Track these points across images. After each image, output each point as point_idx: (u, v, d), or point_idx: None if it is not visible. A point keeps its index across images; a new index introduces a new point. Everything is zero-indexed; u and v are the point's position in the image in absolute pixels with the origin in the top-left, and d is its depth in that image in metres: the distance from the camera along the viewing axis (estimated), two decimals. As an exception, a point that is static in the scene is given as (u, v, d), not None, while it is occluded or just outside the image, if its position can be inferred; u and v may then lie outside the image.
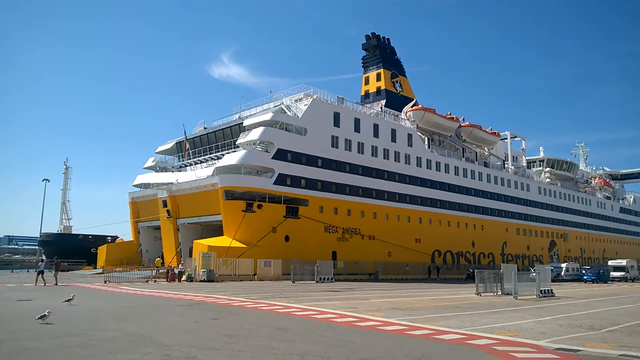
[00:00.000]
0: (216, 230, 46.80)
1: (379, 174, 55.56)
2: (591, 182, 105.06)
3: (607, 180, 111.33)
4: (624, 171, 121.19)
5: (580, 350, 10.81)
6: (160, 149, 63.32)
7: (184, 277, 39.46)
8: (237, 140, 48.87)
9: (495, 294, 28.70)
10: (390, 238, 54.73)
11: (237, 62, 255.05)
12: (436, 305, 21.86)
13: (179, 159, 60.87)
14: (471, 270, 43.54)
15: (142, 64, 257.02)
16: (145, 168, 62.62)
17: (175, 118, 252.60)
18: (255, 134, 46.14)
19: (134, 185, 60.28)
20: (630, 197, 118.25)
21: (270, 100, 55.23)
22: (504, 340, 12.08)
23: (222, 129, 54.70)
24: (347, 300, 23.51)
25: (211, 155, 54.90)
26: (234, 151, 48.68)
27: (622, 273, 57.33)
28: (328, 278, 40.73)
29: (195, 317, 16.09)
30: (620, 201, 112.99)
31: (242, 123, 50.29)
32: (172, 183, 52.75)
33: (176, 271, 40.46)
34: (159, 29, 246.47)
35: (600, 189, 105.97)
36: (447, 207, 63.64)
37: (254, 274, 41.54)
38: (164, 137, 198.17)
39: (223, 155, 50.13)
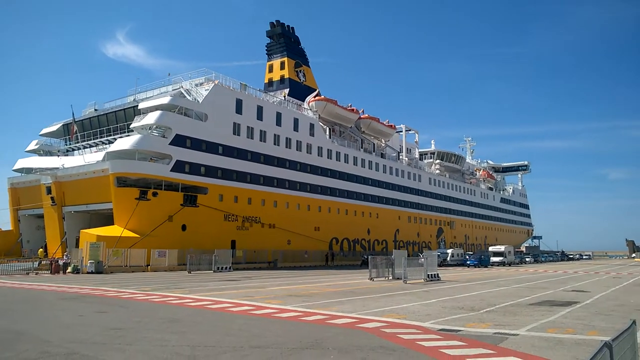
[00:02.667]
0: (107, 219, 44.20)
1: (280, 162, 55.70)
2: (476, 174, 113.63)
3: (490, 173, 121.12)
4: (505, 164, 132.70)
5: (460, 330, 11.67)
6: (44, 131, 58.37)
7: (69, 269, 37.09)
8: (131, 124, 46.31)
9: (387, 278, 30.15)
10: (290, 226, 55.25)
11: (134, 42, 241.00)
12: (331, 291, 22.47)
13: (65, 142, 56.50)
14: (366, 257, 45.29)
15: (27, 38, 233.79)
16: (28, 151, 57.55)
17: (62, 98, 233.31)
18: (151, 118, 44.03)
19: (14, 170, 55.10)
20: (510, 189, 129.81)
21: (169, 84, 52.90)
22: (392, 323, 12.72)
23: (115, 111, 51.57)
24: (243, 289, 23.40)
25: (102, 139, 51.57)
26: (128, 135, 46.11)
27: (501, 258, 62.76)
28: (226, 267, 40.24)
29: (80, 311, 15.13)
30: (501, 192, 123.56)
31: (138, 106, 47.72)
32: (58, 168, 48.82)
33: (61, 263, 37.81)
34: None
35: (484, 181, 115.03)
36: (345, 196, 65.54)
37: (147, 265, 39.89)
38: (49, 119, 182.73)
39: (115, 139, 47.21)
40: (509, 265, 62.20)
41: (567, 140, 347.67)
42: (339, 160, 65.23)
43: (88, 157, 49.06)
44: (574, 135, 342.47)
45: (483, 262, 58.01)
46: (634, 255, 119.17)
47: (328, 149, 63.49)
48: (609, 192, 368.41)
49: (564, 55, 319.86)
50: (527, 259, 76.34)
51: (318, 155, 61.55)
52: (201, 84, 50.43)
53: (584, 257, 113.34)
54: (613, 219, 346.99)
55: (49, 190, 47.76)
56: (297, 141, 58.39)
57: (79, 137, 53.43)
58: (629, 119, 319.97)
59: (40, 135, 58.83)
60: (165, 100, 45.87)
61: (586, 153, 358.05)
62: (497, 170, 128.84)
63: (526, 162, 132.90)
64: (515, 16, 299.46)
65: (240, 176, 50.68)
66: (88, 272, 35.93)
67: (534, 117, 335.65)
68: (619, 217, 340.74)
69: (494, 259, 61.94)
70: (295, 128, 58.45)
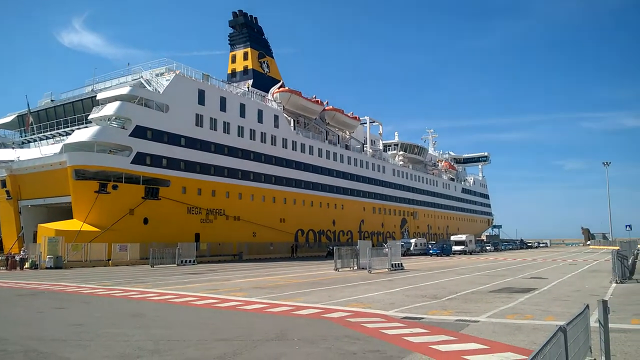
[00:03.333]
0: (65, 213, 42.86)
1: (245, 154, 55.22)
2: (438, 165, 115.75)
3: (452, 164, 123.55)
4: (466, 155, 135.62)
5: (423, 318, 11.92)
6: (-3, 122, 56.00)
7: (27, 265, 36.08)
8: (89, 115, 44.95)
9: (352, 269, 30.43)
10: (255, 218, 54.97)
11: (91, 30, 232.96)
12: (297, 282, 22.53)
13: (20, 134, 54.39)
14: (331, 248, 45.58)
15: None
16: (-21, 143, 55.02)
17: (16, 89, 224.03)
18: (110, 109, 42.82)
19: (-36, 163, 52.57)
20: (471, 179, 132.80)
21: (129, 73, 51.54)
22: (357, 312, 12.87)
23: (73, 102, 49.94)
24: (208, 282, 23.18)
25: (59, 131, 49.90)
26: (86, 127, 44.75)
27: (462, 247, 64.26)
28: (190, 261, 39.76)
29: (39, 307, 14.70)
30: (462, 182, 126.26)
31: (96, 96, 46.34)
32: (13, 161, 46.96)
33: (17, 258, 36.58)
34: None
35: (446, 172, 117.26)
36: (310, 188, 65.61)
37: (108, 260, 38.99)
38: (2, 110, 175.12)
39: (73, 131, 45.74)
40: (470, 254, 63.73)
41: (526, 132, 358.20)
42: (304, 152, 65.16)
43: (45, 150, 47.37)
44: (532, 127, 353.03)
45: (445, 251, 59.24)
46: (589, 242, 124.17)
47: (293, 141, 63.32)
48: (566, 182, 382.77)
49: (524, 48, 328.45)
50: (487, 248, 78.42)
51: (283, 147, 61.31)
52: (162, 74, 49.30)
53: (541, 245, 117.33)
54: (569, 208, 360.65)
55: (3, 184, 45.96)
56: (261, 133, 57.96)
57: (35, 128, 51.52)
58: (584, 111, 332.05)
59: (-7, 126, 56.41)
60: (124, 90, 44.66)
61: (544, 144, 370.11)
62: (458, 161, 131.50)
63: (486, 153, 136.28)
64: (481, 9, 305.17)
65: (204, 168, 49.99)
66: (47, 268, 35.01)
67: (494, 109, 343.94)
68: (575, 206, 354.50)
69: (455, 247, 63.35)
70: (260, 119, 58.00)
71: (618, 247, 28.71)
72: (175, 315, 13.08)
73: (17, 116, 54.44)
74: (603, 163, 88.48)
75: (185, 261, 39.12)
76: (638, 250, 42.01)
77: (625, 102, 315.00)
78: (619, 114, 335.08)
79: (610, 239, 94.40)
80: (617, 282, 20.40)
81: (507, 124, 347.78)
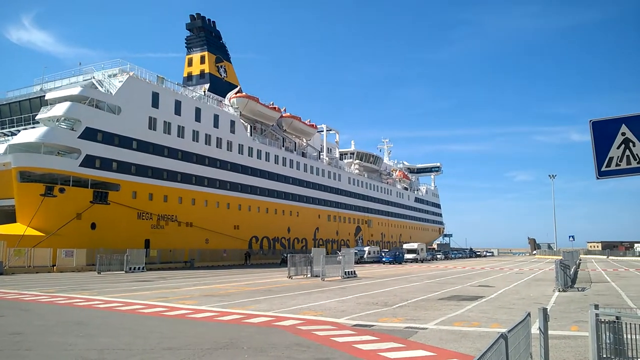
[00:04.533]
0: (8, 216, 40.88)
1: (199, 159, 54.38)
2: (392, 174, 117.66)
3: (406, 173, 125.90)
4: (419, 165, 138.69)
5: (374, 326, 12.07)
6: None
7: (-37, 271, 33.91)
8: (37, 115, 43.22)
9: (305, 276, 30.45)
10: (208, 225, 54.12)
11: (41, 27, 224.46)
12: (249, 290, 22.33)
13: (-39, 132, 51.53)
14: (285, 255, 45.44)
15: None
16: None
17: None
18: (59, 110, 41.31)
19: None
20: (424, 189, 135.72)
21: (80, 74, 49.81)
22: (308, 320, 12.88)
23: (20, 101, 47.87)
24: (157, 289, 22.63)
25: (4, 131, 47.67)
26: (33, 127, 43.02)
27: (414, 255, 65.52)
28: (139, 267, 38.66)
29: (-28, 317, 13.91)
30: (416, 192, 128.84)
31: (45, 96, 44.59)
32: (-49, 160, 44.49)
33: (-48, 264, 34.47)
34: None
35: (400, 181, 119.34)
36: (266, 195, 65.27)
37: (53, 265, 37.41)
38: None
39: (19, 131, 43.86)
40: (422, 262, 65.03)
41: (478, 144, 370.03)
42: (260, 159, 64.82)
43: (-13, 150, 45.13)
44: (485, 139, 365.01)
45: (398, 258, 60.20)
46: (535, 252, 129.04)
47: (249, 147, 62.90)
48: (516, 193, 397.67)
49: (480, 62, 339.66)
50: (438, 256, 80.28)
51: (239, 153, 60.78)
52: (115, 75, 47.99)
53: (487, 254, 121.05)
54: (517, 219, 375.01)
55: (-61, 185, 43.39)
56: (217, 138, 57.27)
57: (-24, 127, 49.00)
58: (534, 124, 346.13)
59: None
60: (75, 90, 43.20)
61: (496, 156, 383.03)
62: (412, 171, 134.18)
63: (438, 164, 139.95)
64: (439, 22, 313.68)
65: (156, 173, 48.86)
66: (-16, 274, 33.14)
67: (448, 121, 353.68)
68: (523, 217, 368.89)
69: (407, 255, 64.49)
70: (216, 124, 57.33)
71: (561, 257, 30.10)
72: (121, 323, 12.69)
73: (-42, 114, 51.62)
74: (549, 175, 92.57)
75: (134, 268, 38.01)
76: (580, 260, 44.04)
77: (572, 117, 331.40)
78: (567, 128, 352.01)
79: (555, 249, 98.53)
80: (559, 291, 21.30)
81: (461, 136, 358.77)
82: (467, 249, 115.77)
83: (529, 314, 6.85)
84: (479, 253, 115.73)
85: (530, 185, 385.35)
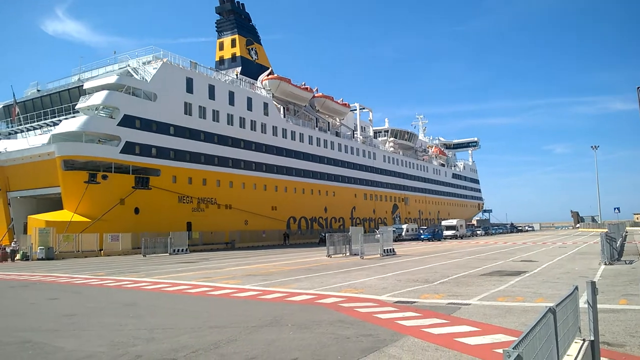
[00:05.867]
0: (55, 203, 42.57)
1: (235, 142, 55.02)
2: (428, 151, 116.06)
3: (442, 149, 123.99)
4: (456, 141, 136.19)
5: (415, 302, 12.03)
6: (-17, 113, 55.17)
7: (18, 256, 35.94)
8: (76, 104, 44.48)
9: (344, 255, 30.59)
10: (247, 207, 54.94)
11: (75, 18, 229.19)
12: (290, 269, 22.62)
13: (7, 124, 53.68)
14: (323, 235, 45.75)
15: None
16: (-35, 135, 54.32)
17: (1, 79, 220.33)
18: (98, 98, 42.40)
19: (-49, 155, 51.94)
20: (461, 164, 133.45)
21: (115, 62, 50.93)
22: (350, 297, 12.96)
23: (59, 92, 49.32)
24: (201, 270, 23.21)
25: (46, 121, 49.33)
26: (74, 117, 44.30)
27: (453, 231, 64.82)
28: (182, 250, 39.76)
29: (31, 298, 14.65)
30: (453, 168, 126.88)
31: (83, 86, 45.83)
32: (0, 152, 46.52)
33: (8, 250, 36.41)
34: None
35: (436, 157, 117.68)
36: (301, 175, 65.60)
37: (100, 250, 38.88)
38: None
39: (60, 121, 45.33)
40: (461, 238, 64.28)
41: (516, 117, 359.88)
42: (294, 140, 65.03)
43: (32, 140, 46.91)
44: (522, 112, 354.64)
45: (436, 235, 59.72)
46: (578, 225, 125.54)
47: (283, 128, 63.13)
48: (555, 166, 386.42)
49: (513, 32, 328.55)
50: (478, 232, 79.08)
51: (273, 135, 61.13)
52: (149, 62, 48.78)
53: (528, 228, 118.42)
54: (558, 192, 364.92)
55: (-9, 176, 45.49)
56: (251, 121, 57.71)
57: (22, 119, 50.88)
58: (572, 95, 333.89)
59: (-22, 118, 55.59)
60: (111, 79, 44.21)
61: (534, 129, 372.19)
62: (448, 146, 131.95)
63: (475, 139, 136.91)
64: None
65: (194, 157, 49.78)
66: (38, 259, 34.90)
67: (483, 95, 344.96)
68: (564, 190, 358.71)
69: (446, 232, 63.88)
70: (249, 107, 57.72)
71: (607, 230, 29.07)
72: (168, 303, 13.10)
73: (3, 107, 53.67)
74: (591, 147, 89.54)
75: (178, 250, 39.14)
76: (626, 232, 42.62)
77: (614, 86, 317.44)
78: (609, 98, 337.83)
79: (599, 222, 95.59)
80: (605, 264, 20.68)
81: (497, 109, 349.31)
82: (507, 224, 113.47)
83: (576, 288, 6.68)
84: (520, 228, 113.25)
85: (570, 158, 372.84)
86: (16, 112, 50.14)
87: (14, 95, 50.18)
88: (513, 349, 3.27)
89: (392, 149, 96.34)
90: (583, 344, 6.07)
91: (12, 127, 52.56)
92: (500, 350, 7.32)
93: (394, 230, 41.64)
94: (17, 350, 8.06)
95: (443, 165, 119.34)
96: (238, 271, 22.10)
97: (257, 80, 64.95)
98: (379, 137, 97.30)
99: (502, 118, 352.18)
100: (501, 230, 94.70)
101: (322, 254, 32.20)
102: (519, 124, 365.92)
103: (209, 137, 51.69)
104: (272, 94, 63.87)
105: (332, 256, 29.77)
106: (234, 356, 7.29)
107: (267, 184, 59.35)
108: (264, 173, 58.92)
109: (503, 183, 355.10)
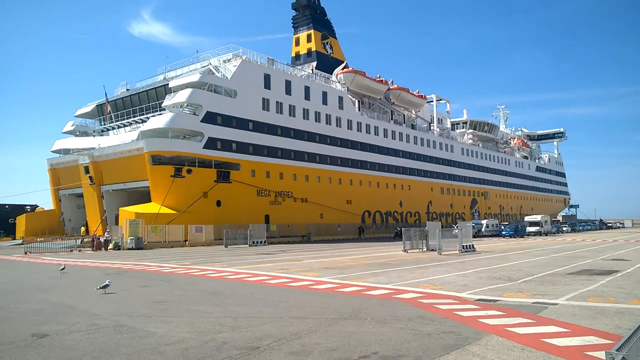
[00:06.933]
0: (143, 196, 45.39)
1: (310, 136, 55.76)
2: (510, 143, 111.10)
3: (525, 141, 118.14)
4: (540, 132, 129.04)
5: (498, 300, 11.61)
6: (79, 112, 59.85)
7: (110, 246, 38.38)
8: (162, 102, 47.06)
9: (421, 250, 30.10)
10: (322, 200, 55.58)
11: (159, 20, 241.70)
12: (366, 263, 22.63)
13: (100, 122, 57.88)
14: (399, 229, 45.26)
15: (57, 20, 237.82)
16: (64, 132, 59.24)
17: (94, 79, 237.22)
18: (182, 96, 44.58)
19: (52, 151, 56.99)
20: (546, 157, 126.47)
21: (197, 61, 53.39)
22: (429, 294, 12.76)
23: (146, 90, 52.42)
24: (280, 262, 23.81)
25: (135, 119, 52.62)
26: (160, 114, 46.91)
27: (537, 228, 61.60)
28: (261, 241, 40.96)
29: (124, 285, 15.70)
30: (537, 160, 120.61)
31: (168, 84, 48.40)
32: (94, 148, 50.25)
33: (102, 239, 39.18)
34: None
35: (519, 149, 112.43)
36: (376, 169, 65.28)
37: (185, 240, 40.96)
38: (82, 99, 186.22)
39: (148, 118, 48.20)
40: (546, 235, 61.13)
41: (605, 106, 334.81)
42: (369, 133, 64.77)
43: (123, 137, 50.24)
44: (613, 100, 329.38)
45: (519, 232, 57.14)
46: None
47: (358, 122, 63.08)
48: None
49: (598, 18, 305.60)
50: (564, 229, 74.75)
51: (348, 128, 61.27)
52: (229, 60, 50.57)
53: (618, 225, 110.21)
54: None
55: (87, 170, 49.19)
56: (326, 115, 58.18)
57: (113, 117, 54.60)
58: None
59: (75, 116, 60.33)
60: (194, 78, 46.30)
61: (625, 118, 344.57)
62: (531, 138, 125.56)
63: (562, 130, 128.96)
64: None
65: (271, 151, 51.06)
66: (128, 249, 37.13)
67: (569, 83, 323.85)
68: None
69: (530, 228, 60.89)
70: (324, 101, 58.20)
71: None
72: (250, 293, 13.57)
73: (97, 105, 57.86)
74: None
75: (257, 242, 40.39)
76: None
77: None
78: None
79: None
80: None
81: (585, 98, 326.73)
82: (596, 221, 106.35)
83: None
84: (609, 224, 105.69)
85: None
86: (108, 111, 53.90)
87: (105, 94, 54.06)
88: (617, 350, 3.11)
89: (470, 141, 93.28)
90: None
91: (104, 124, 56.56)
92: (592, 353, 6.94)
93: (473, 226, 40.32)
94: (113, 333, 8.70)
95: (526, 157, 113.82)
96: (315, 264, 22.44)
97: (332, 74, 65.29)
98: (457, 129, 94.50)
99: (591, 107, 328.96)
100: (589, 227, 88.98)
101: (397, 248, 31.92)
102: (610, 114, 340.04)
103: (285, 132, 52.77)
104: (347, 87, 63.94)
105: (409, 251, 29.42)
106: (314, 347, 7.44)
107: (342, 178, 59.64)
108: (338, 167, 59.25)
109: (591, 177, 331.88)
